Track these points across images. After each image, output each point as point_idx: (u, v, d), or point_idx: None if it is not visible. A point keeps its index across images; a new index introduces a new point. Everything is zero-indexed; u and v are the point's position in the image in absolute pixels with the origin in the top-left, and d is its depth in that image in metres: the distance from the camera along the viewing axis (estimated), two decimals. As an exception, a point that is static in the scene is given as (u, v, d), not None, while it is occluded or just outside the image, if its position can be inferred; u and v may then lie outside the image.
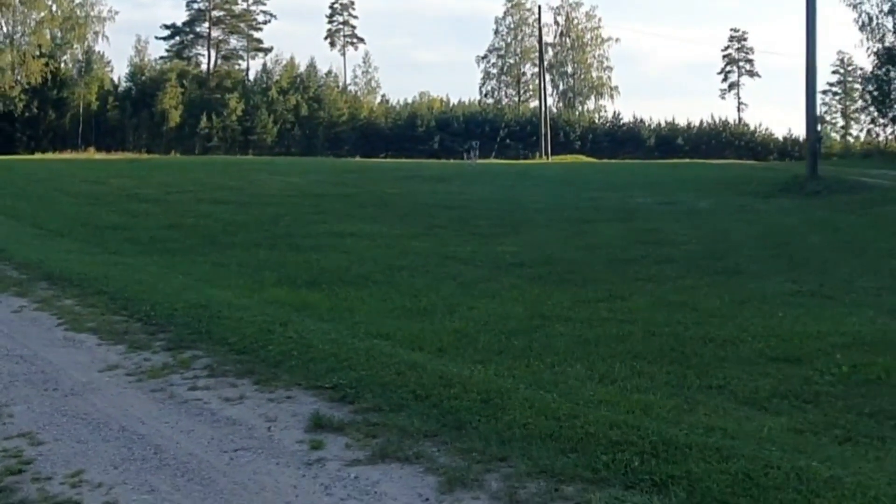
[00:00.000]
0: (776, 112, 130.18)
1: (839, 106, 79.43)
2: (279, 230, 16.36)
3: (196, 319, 8.20)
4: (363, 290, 10.63)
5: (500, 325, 8.55)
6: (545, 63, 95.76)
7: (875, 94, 51.18)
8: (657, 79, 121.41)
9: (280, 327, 7.80)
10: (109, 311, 8.75)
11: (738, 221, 17.82)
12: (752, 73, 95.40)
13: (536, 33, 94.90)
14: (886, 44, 46.71)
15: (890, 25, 45.85)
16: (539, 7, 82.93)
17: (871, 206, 19.45)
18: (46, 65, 73.63)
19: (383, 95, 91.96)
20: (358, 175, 29.01)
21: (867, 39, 47.25)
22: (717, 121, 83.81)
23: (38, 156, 52.56)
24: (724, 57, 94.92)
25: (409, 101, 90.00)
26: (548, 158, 64.39)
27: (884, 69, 47.96)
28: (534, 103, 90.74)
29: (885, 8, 45.10)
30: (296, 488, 4.47)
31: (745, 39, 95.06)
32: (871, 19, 45.71)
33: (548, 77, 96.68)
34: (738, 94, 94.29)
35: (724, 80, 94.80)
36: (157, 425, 5.44)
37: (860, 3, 44.89)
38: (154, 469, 4.72)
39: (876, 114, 54.42)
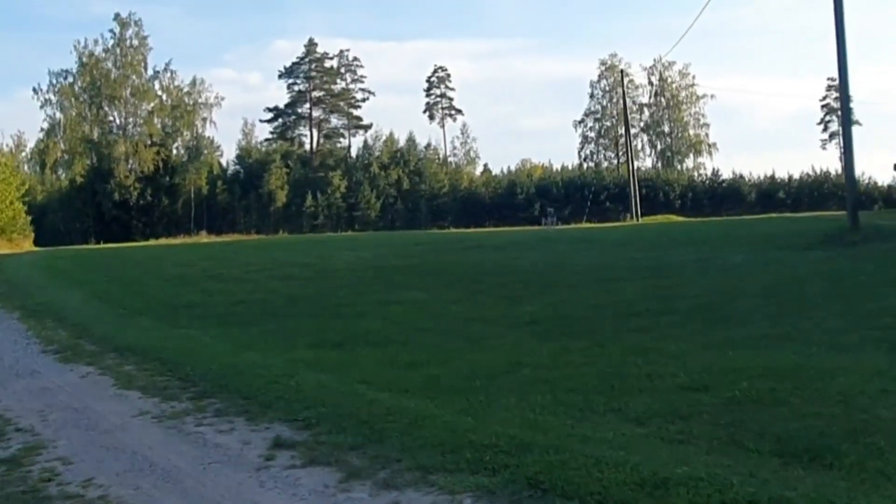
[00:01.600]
0: (882, 159, 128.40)
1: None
2: (333, 301, 18.17)
3: (223, 376, 10.01)
4: (379, 348, 12.32)
5: (476, 371, 10.11)
6: (641, 123, 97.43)
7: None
8: (756, 132, 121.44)
9: (285, 378, 9.55)
10: (157, 373, 10.63)
11: (760, 274, 18.97)
12: (852, 122, 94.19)
13: (632, 95, 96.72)
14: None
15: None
16: (622, 72, 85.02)
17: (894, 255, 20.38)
18: (158, 153, 78.07)
19: (486, 165, 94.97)
20: (427, 247, 30.93)
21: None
22: (819, 172, 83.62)
23: (151, 242, 55.52)
24: (822, 107, 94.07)
25: (512, 168, 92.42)
26: (637, 220, 65.46)
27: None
28: (635, 164, 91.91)
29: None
30: (240, 484, 6.19)
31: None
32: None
33: (645, 137, 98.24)
34: (839, 143, 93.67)
35: (825, 130, 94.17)
36: (161, 450, 7.23)
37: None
38: (145, 476, 6.50)
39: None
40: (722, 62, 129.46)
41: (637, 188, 70.29)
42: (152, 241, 56.61)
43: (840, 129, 27.95)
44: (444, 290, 19.23)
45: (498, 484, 5.64)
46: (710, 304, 15.54)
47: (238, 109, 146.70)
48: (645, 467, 5.66)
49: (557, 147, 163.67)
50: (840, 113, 26.96)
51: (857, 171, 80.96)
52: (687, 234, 34.00)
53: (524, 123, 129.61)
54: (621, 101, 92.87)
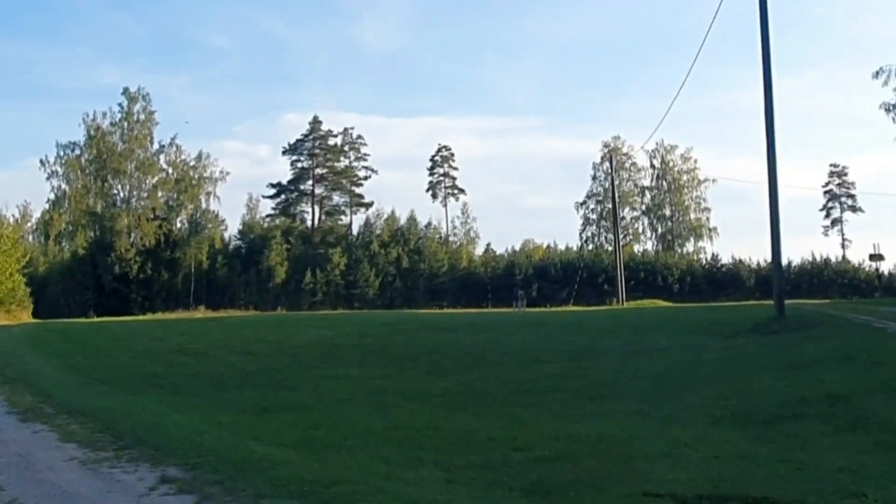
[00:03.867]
0: (884, 246, 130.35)
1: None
2: (279, 375, 20.25)
3: (146, 433, 12.11)
4: (294, 414, 14.39)
5: (356, 432, 12.16)
6: (643, 206, 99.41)
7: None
8: (758, 217, 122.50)
9: (194, 435, 11.65)
10: (97, 430, 12.70)
11: (668, 358, 21.04)
12: (854, 209, 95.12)
13: (634, 177, 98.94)
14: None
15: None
16: (611, 156, 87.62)
17: (799, 344, 22.24)
18: (160, 226, 79.21)
19: (488, 244, 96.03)
20: (388, 328, 33.14)
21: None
22: (819, 259, 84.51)
23: (148, 316, 56.96)
24: (825, 193, 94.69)
25: (516, 247, 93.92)
26: (622, 304, 67.25)
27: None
28: (636, 247, 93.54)
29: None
30: (122, 504, 8.35)
31: (845, 175, 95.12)
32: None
33: (646, 220, 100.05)
34: (840, 230, 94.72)
35: (826, 216, 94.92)
36: (75, 483, 9.34)
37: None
38: (55, 498, 8.64)
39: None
40: (726, 144, 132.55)
41: (623, 271, 72.17)
42: (148, 315, 58.15)
43: (768, 219, 30.02)
44: (380, 366, 21.35)
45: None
46: (602, 383, 17.62)
47: (245, 182, 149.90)
48: (408, 497, 7.80)
49: (562, 227, 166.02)
50: (769, 205, 29.03)
51: (858, 258, 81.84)
52: (639, 319, 36.18)
53: (529, 202, 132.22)
54: (623, 184, 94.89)
